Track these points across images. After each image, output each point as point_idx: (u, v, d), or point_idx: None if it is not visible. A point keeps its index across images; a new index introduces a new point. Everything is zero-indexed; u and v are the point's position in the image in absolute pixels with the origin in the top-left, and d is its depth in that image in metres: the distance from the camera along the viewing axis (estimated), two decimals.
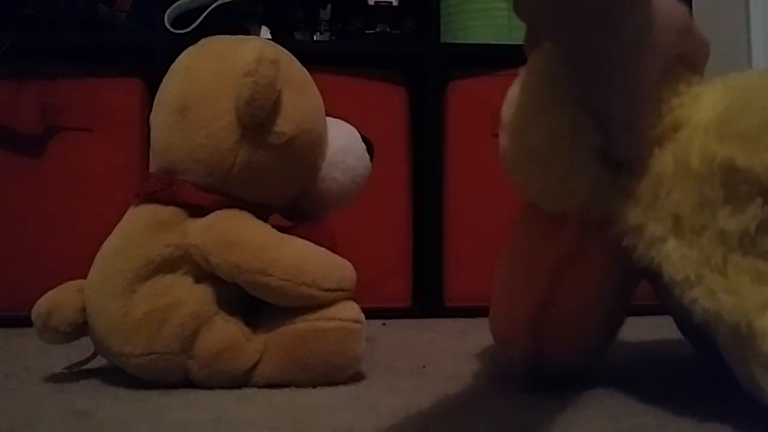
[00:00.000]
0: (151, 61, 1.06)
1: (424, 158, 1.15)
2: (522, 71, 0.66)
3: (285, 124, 0.69)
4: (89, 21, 1.09)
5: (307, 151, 0.72)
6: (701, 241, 0.51)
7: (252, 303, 0.68)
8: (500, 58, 1.10)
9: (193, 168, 0.68)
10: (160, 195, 0.68)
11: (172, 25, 1.09)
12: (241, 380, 0.66)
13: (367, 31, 1.16)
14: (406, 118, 1.15)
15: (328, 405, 0.61)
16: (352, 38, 1.17)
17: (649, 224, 0.54)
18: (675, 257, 0.52)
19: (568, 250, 0.61)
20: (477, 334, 0.93)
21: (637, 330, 0.72)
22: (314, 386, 0.66)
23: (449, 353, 0.82)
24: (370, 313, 1.07)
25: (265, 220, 0.71)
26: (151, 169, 0.72)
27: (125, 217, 0.70)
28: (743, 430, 0.53)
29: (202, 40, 0.74)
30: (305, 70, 0.76)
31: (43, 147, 1.06)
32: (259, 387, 0.65)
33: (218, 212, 0.67)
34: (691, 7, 1.20)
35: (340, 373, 0.67)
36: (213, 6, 1.10)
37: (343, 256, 1.08)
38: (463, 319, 1.05)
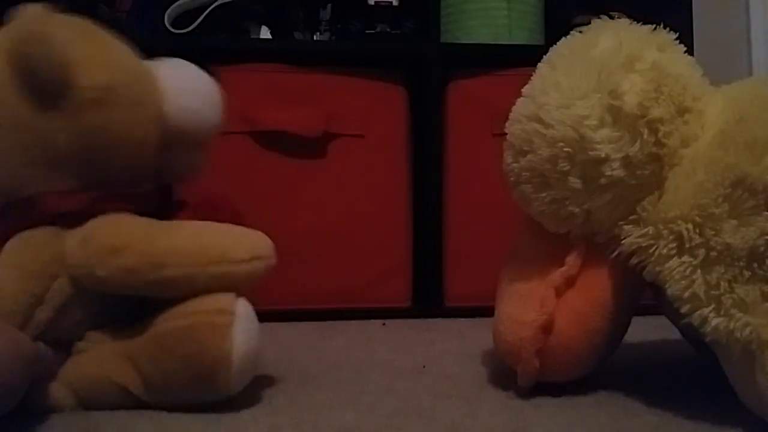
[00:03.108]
0: None
1: (424, 158, 1.15)
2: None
3: (93, 74, 0.59)
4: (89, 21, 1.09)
5: (136, 95, 0.62)
6: (710, 259, 0.51)
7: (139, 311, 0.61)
8: (500, 58, 1.10)
9: (35, 174, 0.59)
10: (25, 223, 0.60)
11: (172, 25, 1.09)
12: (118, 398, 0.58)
13: (367, 31, 1.16)
14: (406, 118, 1.15)
15: (328, 405, 0.61)
16: (352, 38, 1.17)
17: (656, 243, 0.54)
18: (682, 275, 0.52)
19: (575, 270, 0.62)
20: (477, 334, 0.93)
21: (638, 330, 0.72)
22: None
23: (449, 353, 0.82)
24: (370, 313, 1.09)
25: (156, 202, 0.64)
26: None
27: None
28: (743, 429, 0.53)
29: None
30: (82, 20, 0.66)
31: None
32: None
33: (93, 221, 0.59)
34: (691, 7, 1.20)
35: (211, 378, 0.56)
36: (213, 6, 1.10)
37: (341, 255, 1.09)
38: (463, 319, 1.05)
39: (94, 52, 0.61)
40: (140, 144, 0.63)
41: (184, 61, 0.71)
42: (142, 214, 0.62)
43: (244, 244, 0.59)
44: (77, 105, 0.59)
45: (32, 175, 0.60)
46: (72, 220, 0.59)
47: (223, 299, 0.57)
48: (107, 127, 0.60)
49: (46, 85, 0.58)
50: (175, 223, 0.62)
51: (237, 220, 0.64)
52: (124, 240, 0.58)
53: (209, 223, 0.62)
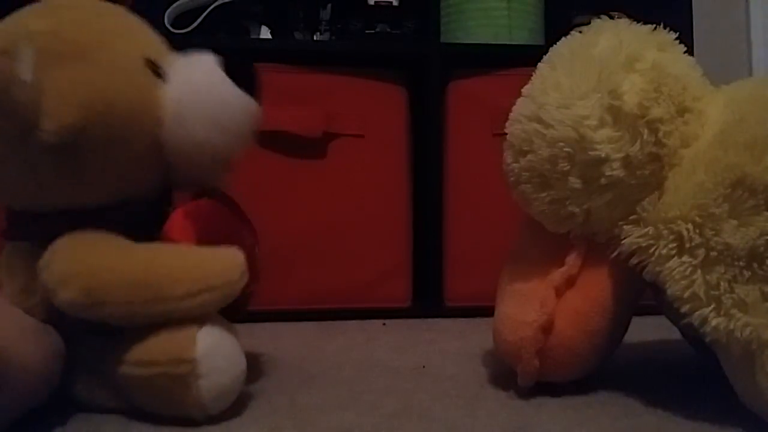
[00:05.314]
0: None
1: (424, 158, 1.15)
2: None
3: (62, 115, 0.53)
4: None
5: (120, 129, 0.57)
6: (710, 259, 0.51)
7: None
8: (500, 58, 1.10)
9: (8, 195, 0.59)
10: (6, 235, 0.61)
11: (172, 25, 1.09)
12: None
13: (367, 31, 1.16)
14: (406, 118, 1.15)
15: (328, 405, 0.61)
16: (352, 38, 1.17)
17: (656, 243, 0.54)
18: (682, 275, 0.52)
19: (575, 270, 0.62)
20: (477, 334, 0.93)
21: (637, 330, 0.72)
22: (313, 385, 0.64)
23: (449, 353, 0.82)
24: (370, 313, 1.09)
25: (139, 223, 0.60)
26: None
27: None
28: (743, 429, 0.53)
29: None
30: (98, 20, 0.59)
31: None
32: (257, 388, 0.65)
33: (58, 241, 0.57)
34: (691, 7, 1.20)
35: (187, 414, 0.55)
36: (213, 6, 1.10)
37: (341, 255, 1.09)
38: (463, 319, 1.05)
39: (75, 74, 0.55)
40: (119, 179, 0.59)
41: (211, 67, 0.62)
42: (123, 230, 0.59)
43: (189, 277, 0.55)
44: (41, 147, 0.54)
45: (19, 191, 0.59)
46: (41, 240, 0.57)
47: (180, 343, 0.54)
48: (78, 170, 0.56)
49: (12, 124, 0.54)
50: (134, 246, 0.58)
51: (228, 221, 0.61)
52: (73, 271, 0.55)
53: (167, 248, 0.58)
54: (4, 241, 0.61)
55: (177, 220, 0.60)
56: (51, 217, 0.59)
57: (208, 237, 0.59)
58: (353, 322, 1.04)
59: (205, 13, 1.10)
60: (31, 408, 0.53)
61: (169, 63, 0.63)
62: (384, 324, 1.03)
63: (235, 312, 0.63)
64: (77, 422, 0.56)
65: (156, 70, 0.61)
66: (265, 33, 1.16)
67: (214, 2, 1.11)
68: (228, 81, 0.61)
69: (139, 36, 0.63)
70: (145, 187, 0.62)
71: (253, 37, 1.16)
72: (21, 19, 0.57)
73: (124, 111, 0.57)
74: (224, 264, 0.57)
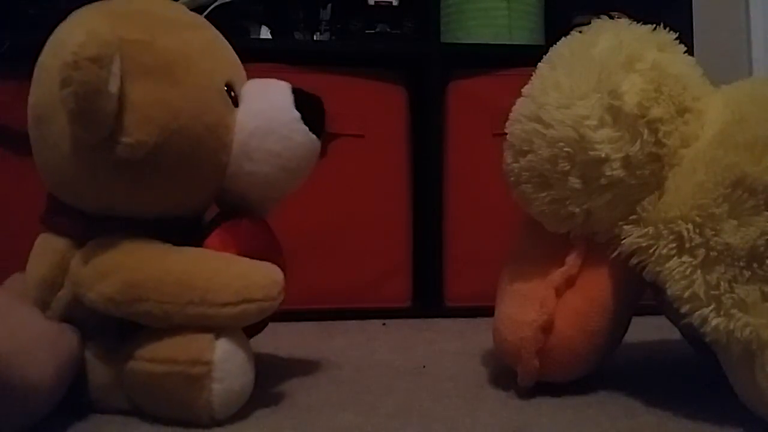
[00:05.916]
0: None
1: (424, 158, 1.15)
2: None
3: (138, 131, 0.54)
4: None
5: (189, 152, 0.57)
6: (710, 259, 0.51)
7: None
8: (500, 58, 1.10)
9: (65, 192, 0.59)
10: (47, 225, 0.60)
11: None
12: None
13: (367, 31, 1.16)
14: (406, 118, 1.15)
15: (328, 405, 0.61)
16: (352, 38, 1.17)
17: (656, 243, 0.54)
18: (682, 275, 0.52)
19: (575, 270, 0.62)
20: (477, 334, 0.93)
21: (638, 330, 0.72)
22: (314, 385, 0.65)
23: (449, 353, 0.82)
24: (370, 313, 1.09)
25: (179, 233, 0.60)
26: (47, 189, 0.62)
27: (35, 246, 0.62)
28: (743, 429, 0.53)
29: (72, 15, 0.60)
30: (187, 37, 0.60)
31: None
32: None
33: (94, 241, 0.57)
34: (691, 7, 1.20)
35: (194, 419, 0.55)
36: (213, 6, 1.10)
37: (341, 255, 1.09)
38: (463, 319, 1.05)
39: (158, 91, 0.55)
40: (188, 196, 0.60)
41: (283, 102, 0.62)
42: (166, 239, 0.59)
43: (232, 286, 0.55)
44: (111, 159, 0.54)
45: (76, 191, 0.58)
46: (82, 239, 0.58)
47: (199, 345, 0.54)
48: (140, 185, 0.57)
49: (87, 133, 0.53)
50: (174, 249, 0.58)
51: (259, 245, 0.61)
52: (113, 265, 0.56)
53: (208, 254, 0.58)
54: (41, 225, 0.61)
55: (218, 235, 0.60)
56: (98, 219, 0.58)
57: (245, 255, 0.59)
58: (353, 322, 1.04)
59: (204, 13, 1.10)
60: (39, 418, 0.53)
61: (242, 85, 0.63)
62: (384, 324, 1.03)
63: (253, 330, 0.64)
64: (78, 422, 0.56)
65: (231, 94, 0.61)
66: (265, 33, 1.16)
67: (214, 2, 1.11)
68: (298, 119, 0.62)
69: (223, 56, 0.63)
70: (198, 206, 0.63)
71: (253, 37, 1.16)
72: (115, 22, 0.55)
73: (197, 135, 0.57)
74: (266, 279, 0.57)
